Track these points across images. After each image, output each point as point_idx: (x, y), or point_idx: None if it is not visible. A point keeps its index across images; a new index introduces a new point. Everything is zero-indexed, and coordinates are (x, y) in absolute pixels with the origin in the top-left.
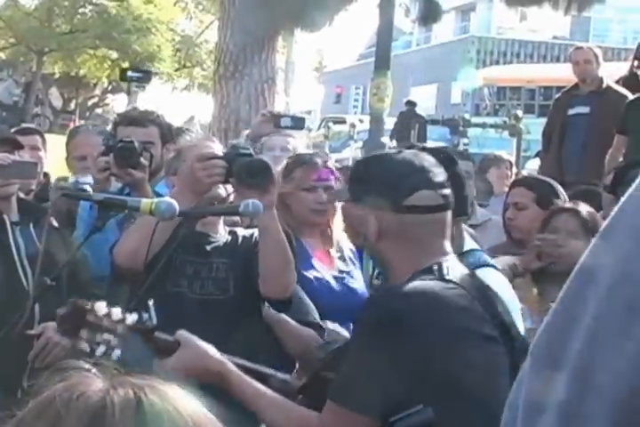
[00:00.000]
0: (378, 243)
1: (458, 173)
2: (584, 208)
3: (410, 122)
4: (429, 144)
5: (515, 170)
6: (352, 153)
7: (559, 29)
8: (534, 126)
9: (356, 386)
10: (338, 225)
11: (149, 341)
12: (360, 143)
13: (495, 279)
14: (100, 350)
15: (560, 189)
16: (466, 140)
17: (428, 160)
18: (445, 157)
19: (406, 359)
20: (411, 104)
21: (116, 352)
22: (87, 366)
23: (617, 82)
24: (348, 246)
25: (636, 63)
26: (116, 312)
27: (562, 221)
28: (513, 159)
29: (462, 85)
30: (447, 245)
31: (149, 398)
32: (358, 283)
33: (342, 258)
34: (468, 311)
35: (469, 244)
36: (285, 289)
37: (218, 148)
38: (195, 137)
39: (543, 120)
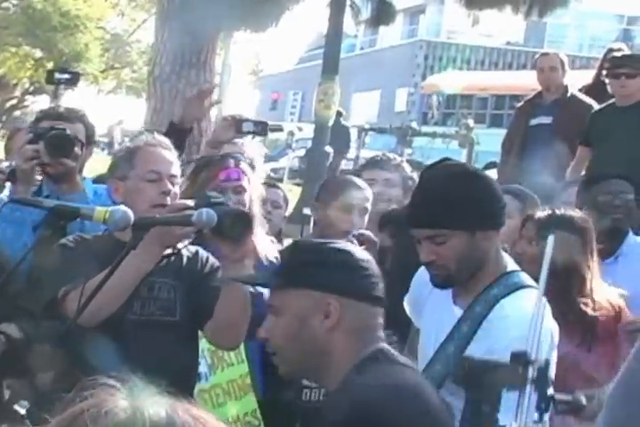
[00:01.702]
0: (329, 333)
1: (491, 184)
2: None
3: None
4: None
5: None
6: (289, 162)
7: (513, 35)
8: (485, 137)
9: None
10: (259, 235)
11: None
12: (298, 152)
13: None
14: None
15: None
16: (409, 151)
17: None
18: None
19: None
20: (338, 113)
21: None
22: (113, 382)
23: (580, 91)
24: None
25: (604, 71)
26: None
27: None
28: None
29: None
30: (381, 331)
31: (183, 419)
32: None
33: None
34: (430, 391)
35: (511, 264)
36: (236, 342)
37: (173, 156)
38: (148, 139)
39: (495, 131)
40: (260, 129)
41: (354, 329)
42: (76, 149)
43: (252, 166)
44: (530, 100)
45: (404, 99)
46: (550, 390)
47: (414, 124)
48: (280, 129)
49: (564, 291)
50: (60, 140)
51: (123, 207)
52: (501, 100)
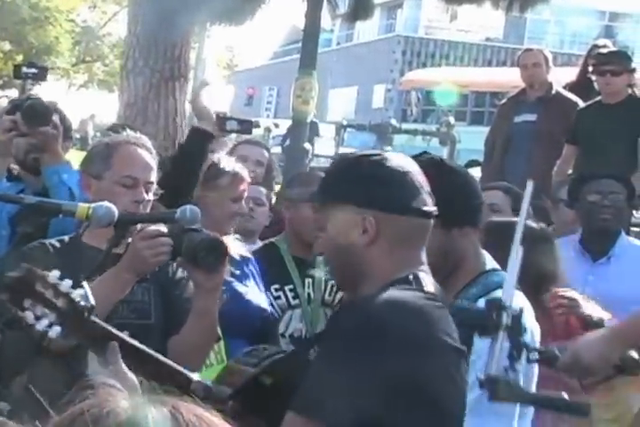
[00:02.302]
0: (367, 248)
1: (469, 181)
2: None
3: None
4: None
5: None
6: None
7: (492, 31)
8: (465, 135)
9: (331, 397)
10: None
11: (86, 324)
12: (275, 149)
13: (524, 302)
14: (42, 324)
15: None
16: (389, 148)
17: (415, 165)
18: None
19: (386, 371)
20: None
21: (56, 329)
22: (113, 382)
23: (564, 88)
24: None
25: (590, 68)
26: (66, 285)
27: None
28: None
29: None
30: (424, 254)
31: (186, 418)
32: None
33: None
34: (446, 324)
35: (490, 262)
36: (198, 366)
37: (152, 160)
38: (129, 137)
39: (475, 128)
40: (245, 128)
41: (393, 246)
42: (55, 118)
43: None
44: (513, 98)
45: (381, 95)
46: (524, 339)
47: (394, 122)
48: (256, 125)
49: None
50: (37, 109)
51: (106, 203)
52: (482, 98)
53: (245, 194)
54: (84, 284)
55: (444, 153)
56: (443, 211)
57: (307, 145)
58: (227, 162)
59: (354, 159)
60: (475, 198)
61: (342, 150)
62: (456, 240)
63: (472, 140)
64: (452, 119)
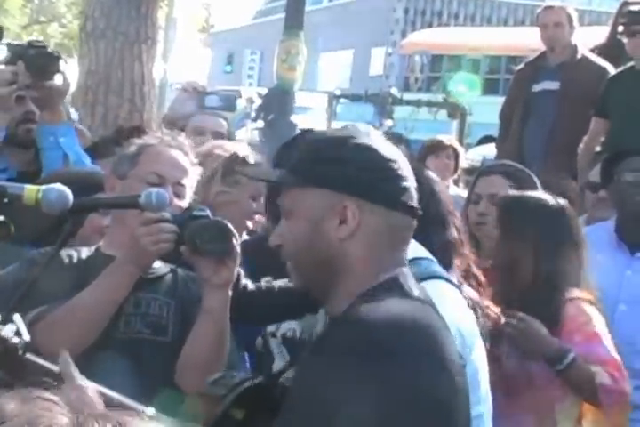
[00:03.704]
0: (344, 243)
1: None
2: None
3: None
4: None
5: (462, 160)
6: (248, 135)
7: None
8: (478, 106)
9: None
10: None
11: (18, 363)
12: (259, 123)
13: (447, 294)
14: None
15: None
16: (390, 123)
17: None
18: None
19: (394, 390)
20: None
21: None
22: (51, 395)
23: (591, 51)
24: None
25: (620, 28)
26: None
27: None
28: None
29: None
30: (406, 256)
31: None
32: None
33: None
34: (446, 335)
35: (413, 250)
36: (198, 388)
37: (188, 164)
38: (165, 138)
39: (489, 98)
40: (227, 104)
41: (374, 242)
42: (62, 70)
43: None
44: (531, 63)
45: (380, 60)
46: None
47: (395, 91)
48: (237, 96)
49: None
50: (42, 60)
51: (59, 186)
52: (496, 62)
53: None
54: (16, 317)
55: (452, 127)
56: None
57: (294, 118)
58: (248, 152)
59: (336, 139)
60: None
61: (335, 124)
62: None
63: (485, 113)
64: (462, 88)
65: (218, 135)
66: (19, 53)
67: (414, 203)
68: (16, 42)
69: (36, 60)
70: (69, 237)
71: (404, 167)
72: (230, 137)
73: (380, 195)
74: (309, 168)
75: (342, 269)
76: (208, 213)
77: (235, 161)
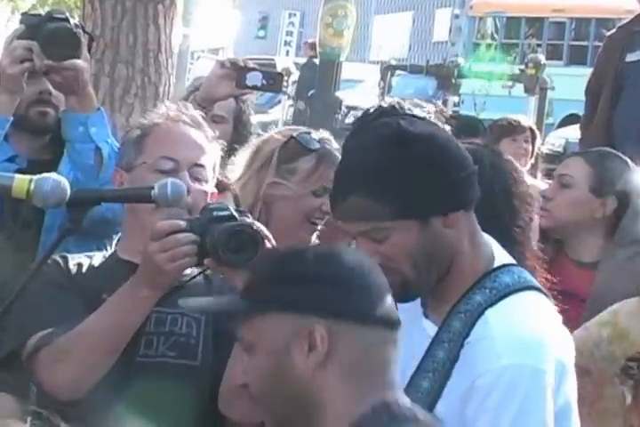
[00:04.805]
0: (315, 374)
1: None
2: None
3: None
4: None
5: (538, 143)
6: (284, 113)
7: None
8: (561, 79)
9: None
10: None
11: None
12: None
13: (546, 309)
14: None
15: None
16: (456, 99)
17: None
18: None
19: None
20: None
21: None
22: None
23: None
24: None
25: None
26: None
27: None
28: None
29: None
30: (394, 373)
31: None
32: None
33: None
34: None
35: (499, 256)
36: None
37: (202, 138)
38: (170, 113)
39: (575, 70)
40: (273, 83)
41: (353, 368)
42: (85, 48)
43: None
44: (626, 27)
45: (445, 24)
46: None
47: (462, 61)
48: (270, 66)
49: None
50: (63, 35)
51: (54, 175)
52: (585, 27)
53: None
54: None
55: (531, 105)
56: (410, 196)
57: (338, 94)
58: (311, 136)
59: (292, 254)
60: (456, 171)
61: (389, 101)
62: (440, 234)
63: (570, 87)
64: (542, 57)
65: (217, 119)
66: (34, 27)
67: (393, 314)
68: (33, 12)
69: (56, 36)
70: (66, 236)
71: (375, 275)
72: (242, 121)
73: (352, 312)
74: (264, 291)
75: (318, 405)
76: (231, 210)
77: (290, 146)
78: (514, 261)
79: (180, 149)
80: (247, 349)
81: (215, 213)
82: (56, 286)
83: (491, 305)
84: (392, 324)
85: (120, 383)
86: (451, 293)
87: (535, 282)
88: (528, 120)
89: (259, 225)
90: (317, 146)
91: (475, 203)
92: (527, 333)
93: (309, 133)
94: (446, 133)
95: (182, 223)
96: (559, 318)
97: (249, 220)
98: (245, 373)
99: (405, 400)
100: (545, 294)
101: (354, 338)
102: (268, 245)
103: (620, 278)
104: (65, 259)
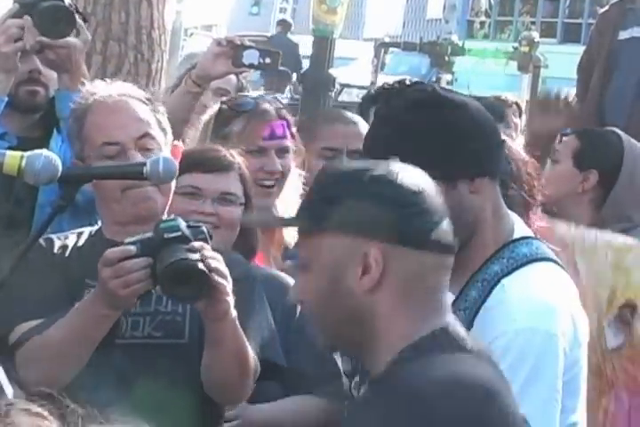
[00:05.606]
0: (370, 295)
1: (477, 115)
2: None
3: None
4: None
5: (525, 118)
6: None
7: None
8: (554, 56)
9: None
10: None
11: None
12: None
13: (560, 279)
14: None
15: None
16: (450, 77)
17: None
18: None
19: None
20: (284, 24)
21: None
22: (39, 408)
23: None
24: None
25: None
26: None
27: None
28: (523, 104)
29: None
30: (448, 298)
31: None
32: None
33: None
34: (504, 391)
35: (519, 228)
36: (239, 398)
37: (142, 109)
38: (101, 91)
39: (568, 47)
40: (270, 62)
41: (407, 291)
42: (80, 25)
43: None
44: (618, 5)
45: (439, 1)
46: None
47: (456, 38)
48: (265, 44)
49: None
50: (57, 12)
51: (45, 152)
52: (579, 4)
53: None
54: None
55: (524, 82)
56: (441, 159)
57: (332, 71)
58: (246, 98)
59: (350, 173)
60: (485, 139)
61: (383, 78)
62: (465, 199)
63: (563, 65)
64: (535, 34)
65: (221, 93)
66: (28, 6)
67: (448, 238)
68: None
69: (50, 14)
70: (58, 212)
71: (433, 197)
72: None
73: (407, 235)
74: (320, 210)
75: (374, 325)
76: (182, 230)
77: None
78: (531, 233)
79: (117, 129)
80: (303, 267)
81: (166, 236)
82: (40, 273)
83: (507, 274)
84: (447, 249)
85: (109, 366)
86: (471, 262)
87: (552, 254)
88: (516, 97)
89: (209, 254)
90: (249, 107)
91: (500, 174)
92: (542, 299)
93: (245, 96)
94: (477, 104)
95: (132, 248)
96: (574, 289)
97: (198, 245)
98: (302, 290)
99: (460, 328)
100: (561, 267)
101: (408, 261)
102: (217, 279)
103: None
104: (50, 242)
